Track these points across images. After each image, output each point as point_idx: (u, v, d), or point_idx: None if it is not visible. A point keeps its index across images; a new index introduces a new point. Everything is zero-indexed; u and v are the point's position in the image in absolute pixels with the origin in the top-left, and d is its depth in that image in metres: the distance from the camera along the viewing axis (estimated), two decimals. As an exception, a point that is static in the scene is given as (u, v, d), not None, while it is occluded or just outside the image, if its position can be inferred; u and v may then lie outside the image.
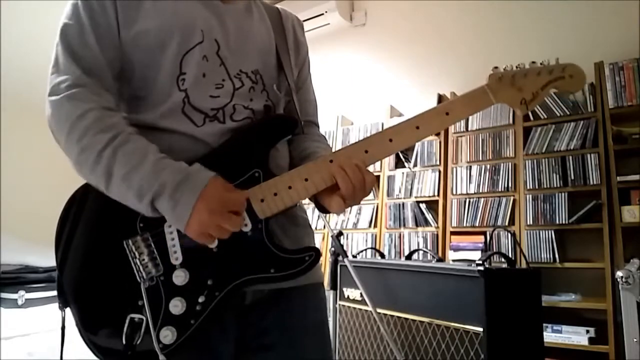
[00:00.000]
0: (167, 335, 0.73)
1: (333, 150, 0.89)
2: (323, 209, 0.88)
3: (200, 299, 0.75)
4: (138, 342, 0.73)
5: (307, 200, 0.94)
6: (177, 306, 0.74)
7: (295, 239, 0.89)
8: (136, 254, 0.75)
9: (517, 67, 0.87)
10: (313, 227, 3.74)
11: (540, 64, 0.87)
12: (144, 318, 0.74)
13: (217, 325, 0.79)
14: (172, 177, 0.71)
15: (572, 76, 0.86)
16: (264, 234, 0.78)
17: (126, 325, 0.74)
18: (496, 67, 0.87)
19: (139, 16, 0.79)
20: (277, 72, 0.93)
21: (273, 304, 0.85)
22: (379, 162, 3.46)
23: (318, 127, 1.05)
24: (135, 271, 0.75)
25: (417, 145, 3.32)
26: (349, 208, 3.74)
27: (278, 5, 1.02)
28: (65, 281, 0.77)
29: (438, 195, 3.16)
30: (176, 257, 0.76)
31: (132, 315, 0.74)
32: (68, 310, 0.78)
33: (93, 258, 0.77)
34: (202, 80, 0.81)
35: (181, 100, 0.81)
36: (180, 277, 0.75)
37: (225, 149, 0.81)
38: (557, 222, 2.66)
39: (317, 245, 3.84)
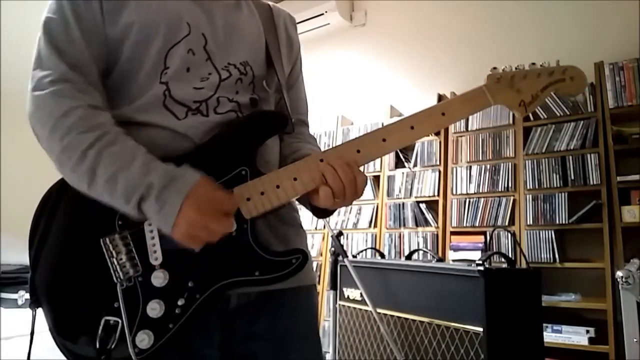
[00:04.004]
0: (144, 339, 0.70)
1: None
2: (316, 212, 0.85)
3: (180, 302, 0.72)
4: (112, 347, 0.70)
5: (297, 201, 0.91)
6: (154, 309, 0.71)
7: (284, 240, 0.85)
8: (113, 253, 0.72)
9: (516, 69, 0.85)
10: (313, 226, 3.68)
11: (540, 65, 0.85)
12: (120, 321, 0.70)
13: (200, 330, 0.76)
14: (159, 179, 0.68)
15: (572, 78, 0.85)
16: (249, 235, 0.75)
17: (100, 328, 0.70)
18: (495, 68, 0.85)
19: (125, 10, 0.77)
20: (266, 69, 0.90)
21: (262, 307, 0.82)
22: (379, 161, 3.47)
23: (308, 126, 1.02)
24: (112, 271, 0.71)
25: (417, 145, 3.32)
26: (345, 208, 3.68)
27: (271, 2, 0.99)
28: (38, 280, 0.74)
29: (438, 195, 3.16)
30: (156, 257, 0.72)
31: (107, 318, 0.70)
32: (40, 310, 0.74)
33: (67, 256, 0.73)
34: (185, 75, 0.79)
35: (162, 93, 0.77)
36: (159, 279, 0.72)
37: (212, 145, 0.77)
38: (557, 222, 2.66)
39: (317, 245, 3.85)
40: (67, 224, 0.75)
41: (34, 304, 0.74)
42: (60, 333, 0.72)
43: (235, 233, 0.74)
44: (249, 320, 0.81)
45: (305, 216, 0.94)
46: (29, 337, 0.79)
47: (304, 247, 0.90)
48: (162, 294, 0.72)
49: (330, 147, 4.21)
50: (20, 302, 3.02)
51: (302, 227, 0.93)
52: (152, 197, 0.67)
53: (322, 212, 0.86)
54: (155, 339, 0.71)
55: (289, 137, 0.94)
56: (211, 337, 0.78)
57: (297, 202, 0.92)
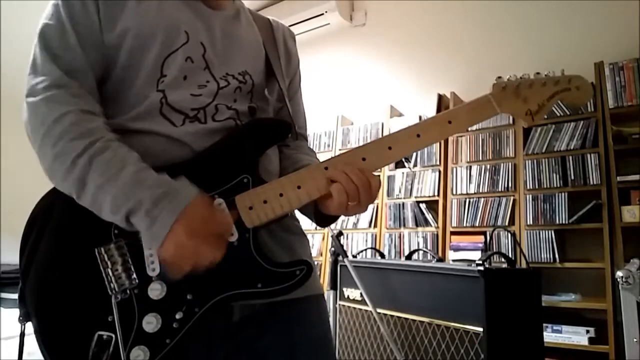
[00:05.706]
0: (139, 355, 0.66)
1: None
2: (320, 220, 0.83)
3: (178, 316, 0.68)
4: None
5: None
6: (151, 323, 0.67)
7: (288, 249, 0.83)
8: (108, 263, 0.68)
9: (520, 78, 0.85)
10: (313, 227, 3.68)
11: (545, 75, 0.85)
12: (113, 336, 0.67)
13: (200, 345, 0.72)
14: (151, 192, 0.65)
15: (578, 88, 0.85)
16: (251, 245, 0.72)
17: (93, 343, 0.67)
18: (500, 77, 0.84)
19: (122, 16, 0.75)
20: (266, 78, 0.89)
21: (269, 320, 0.78)
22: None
23: (307, 139, 1.01)
24: (106, 283, 0.68)
25: (417, 145, 3.32)
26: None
27: (271, 17, 0.99)
28: (28, 291, 0.70)
29: (438, 195, 3.16)
30: (153, 267, 0.68)
31: (101, 333, 0.67)
32: (29, 324, 0.71)
33: (60, 267, 0.69)
34: (182, 82, 0.77)
35: (159, 100, 0.75)
36: (156, 291, 0.68)
37: (213, 152, 0.75)
38: (557, 222, 2.66)
39: (317, 245, 3.84)
40: (60, 232, 0.71)
41: (23, 317, 0.71)
42: (50, 349, 0.68)
43: (237, 243, 0.71)
44: (255, 333, 0.78)
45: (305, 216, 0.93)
46: (29, 337, 0.77)
47: (308, 256, 0.88)
48: (158, 307, 0.68)
49: (330, 147, 4.15)
50: (20, 302, 3.01)
51: (304, 235, 0.91)
52: (142, 212, 0.64)
53: (326, 221, 0.84)
54: (151, 355, 0.67)
55: (288, 149, 0.92)
56: (213, 353, 0.75)
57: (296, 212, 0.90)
